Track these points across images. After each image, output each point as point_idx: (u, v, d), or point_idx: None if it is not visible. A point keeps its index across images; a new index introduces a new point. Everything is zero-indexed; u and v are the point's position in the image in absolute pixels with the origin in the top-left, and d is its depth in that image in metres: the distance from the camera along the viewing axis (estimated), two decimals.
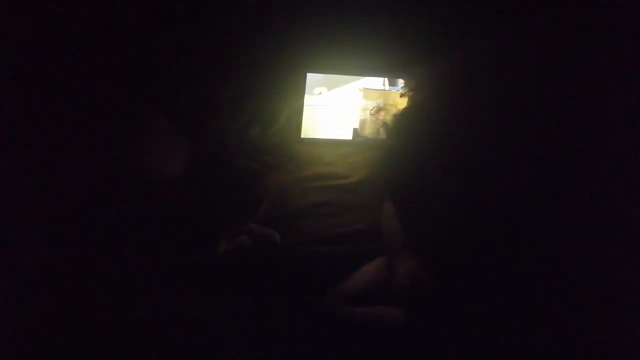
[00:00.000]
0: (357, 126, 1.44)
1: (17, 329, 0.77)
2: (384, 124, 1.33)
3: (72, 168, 0.94)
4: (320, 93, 1.38)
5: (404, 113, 1.00)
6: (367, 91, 1.41)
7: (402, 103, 1.25)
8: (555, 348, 0.71)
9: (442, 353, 0.79)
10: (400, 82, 1.41)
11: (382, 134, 1.31)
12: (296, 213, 1.17)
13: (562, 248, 0.72)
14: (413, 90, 1.07)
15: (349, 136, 1.44)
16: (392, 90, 1.41)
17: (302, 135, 1.41)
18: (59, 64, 0.99)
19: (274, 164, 1.29)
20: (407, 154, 0.98)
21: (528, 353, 0.71)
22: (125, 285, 0.87)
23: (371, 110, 1.42)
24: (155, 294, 0.90)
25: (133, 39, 1.13)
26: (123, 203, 0.98)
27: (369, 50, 1.36)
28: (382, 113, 1.43)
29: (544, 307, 0.72)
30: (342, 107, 1.41)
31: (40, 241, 0.85)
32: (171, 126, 1.11)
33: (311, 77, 1.36)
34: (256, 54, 1.31)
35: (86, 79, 1.01)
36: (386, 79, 1.41)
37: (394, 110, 1.00)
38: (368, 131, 1.44)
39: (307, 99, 1.37)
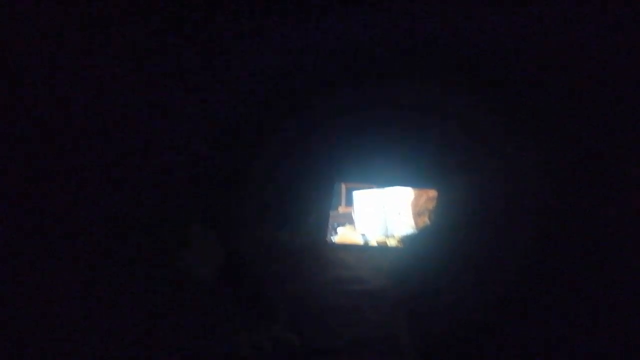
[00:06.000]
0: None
1: None
2: (403, 238, 1.42)
3: None
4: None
5: (424, 231, 1.08)
6: None
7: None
8: None
9: None
10: None
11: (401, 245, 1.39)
12: (317, 316, 1.22)
13: None
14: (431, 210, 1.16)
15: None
16: None
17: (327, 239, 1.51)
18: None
19: (299, 266, 1.37)
20: (425, 269, 1.05)
21: None
22: None
23: None
24: None
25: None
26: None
27: (394, 163, 1.48)
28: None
29: None
30: None
31: None
32: (207, 232, 1.22)
33: None
34: (290, 165, 1.45)
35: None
36: None
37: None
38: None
39: None
